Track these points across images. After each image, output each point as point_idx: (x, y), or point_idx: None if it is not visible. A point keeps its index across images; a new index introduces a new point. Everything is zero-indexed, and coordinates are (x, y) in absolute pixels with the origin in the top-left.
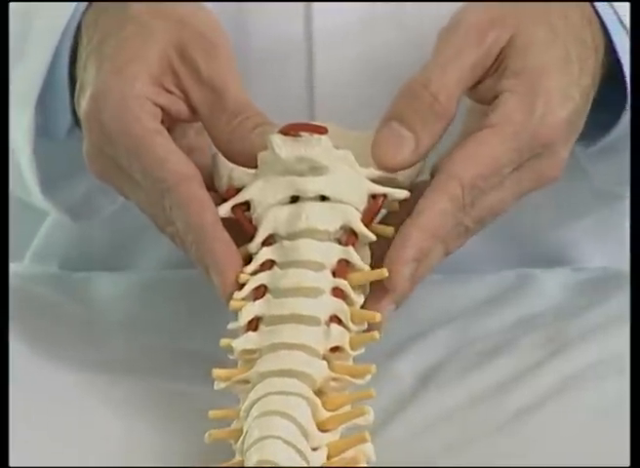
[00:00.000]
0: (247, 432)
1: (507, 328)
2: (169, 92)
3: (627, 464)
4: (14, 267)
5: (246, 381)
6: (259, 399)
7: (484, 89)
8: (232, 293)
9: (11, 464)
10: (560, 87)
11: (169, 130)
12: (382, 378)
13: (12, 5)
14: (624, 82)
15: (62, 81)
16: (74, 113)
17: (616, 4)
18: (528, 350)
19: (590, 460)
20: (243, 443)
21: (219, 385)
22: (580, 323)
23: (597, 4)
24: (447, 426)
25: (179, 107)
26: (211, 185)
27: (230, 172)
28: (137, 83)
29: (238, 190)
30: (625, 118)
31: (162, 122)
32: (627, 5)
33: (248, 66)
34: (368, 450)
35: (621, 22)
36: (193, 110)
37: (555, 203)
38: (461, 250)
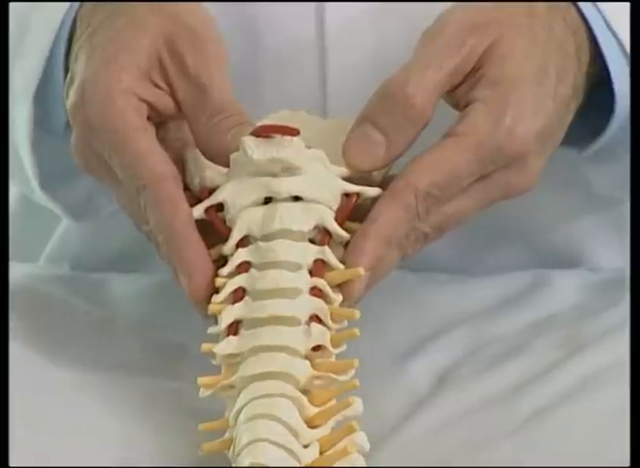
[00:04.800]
0: (236, 438)
1: (523, 329)
2: (156, 86)
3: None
4: (29, 268)
5: (231, 386)
6: (244, 405)
7: (459, 94)
8: (200, 297)
9: (15, 464)
10: (532, 99)
11: (162, 124)
12: (398, 379)
13: (10, 4)
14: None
15: (59, 75)
16: None
17: (602, 7)
18: (544, 351)
19: (606, 461)
20: (234, 450)
21: (204, 393)
22: (596, 324)
23: (585, 11)
24: (462, 427)
25: (165, 102)
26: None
27: (203, 172)
28: (124, 76)
29: (211, 191)
30: (615, 123)
31: (148, 118)
32: (616, 9)
33: (261, 66)
34: (360, 440)
35: (610, 28)
36: (179, 105)
37: (570, 204)
38: (478, 251)
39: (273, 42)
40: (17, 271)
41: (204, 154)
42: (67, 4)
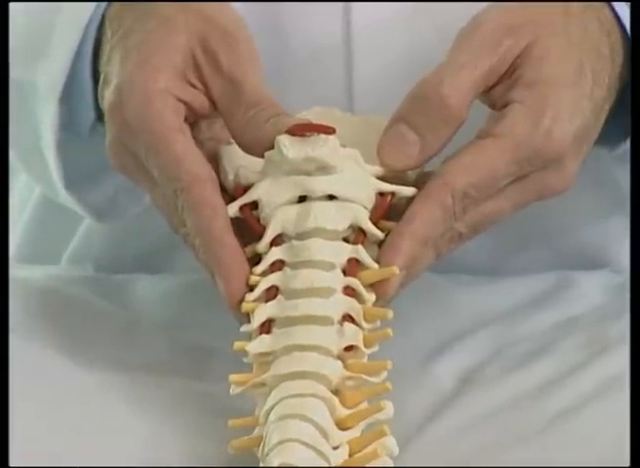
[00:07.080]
0: (266, 437)
1: (548, 330)
2: (192, 85)
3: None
4: (51, 269)
5: (262, 384)
6: (276, 404)
7: (495, 95)
8: (237, 302)
9: (38, 464)
10: (570, 101)
11: (195, 123)
12: (423, 379)
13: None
14: None
15: (86, 75)
16: (97, 109)
17: None
18: (568, 353)
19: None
20: (263, 449)
21: (235, 390)
22: (621, 325)
23: (619, 11)
24: (487, 428)
25: (201, 101)
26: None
27: (237, 170)
28: (161, 77)
29: (246, 189)
30: None
31: (185, 118)
32: None
33: (286, 68)
34: (389, 444)
35: None
36: (214, 103)
37: (598, 205)
38: (505, 253)
39: (299, 43)
40: (39, 273)
41: (242, 148)
42: (94, 4)
